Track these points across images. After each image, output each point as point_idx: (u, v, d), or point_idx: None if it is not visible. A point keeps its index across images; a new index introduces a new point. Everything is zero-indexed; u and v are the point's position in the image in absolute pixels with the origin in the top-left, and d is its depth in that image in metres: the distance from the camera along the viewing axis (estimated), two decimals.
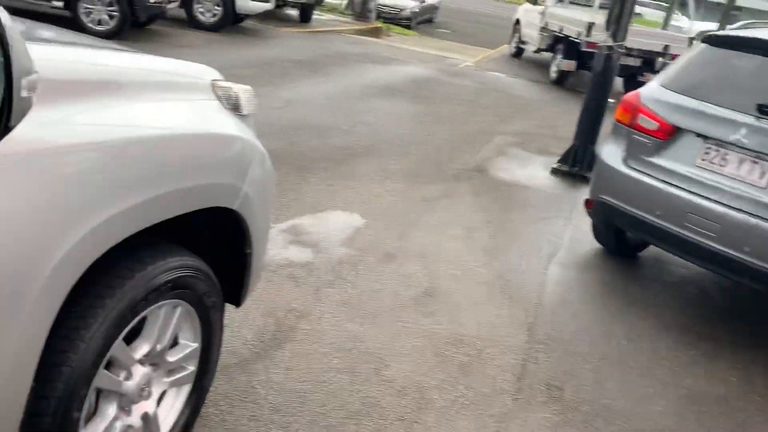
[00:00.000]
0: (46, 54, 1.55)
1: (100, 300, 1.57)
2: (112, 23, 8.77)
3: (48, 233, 1.33)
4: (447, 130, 7.27)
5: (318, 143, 5.89)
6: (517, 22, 15.12)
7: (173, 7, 9.97)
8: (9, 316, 1.27)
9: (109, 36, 8.66)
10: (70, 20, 8.69)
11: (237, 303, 2.27)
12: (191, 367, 2.03)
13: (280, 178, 4.78)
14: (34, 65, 1.05)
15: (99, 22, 8.76)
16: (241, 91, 2.04)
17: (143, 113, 1.67)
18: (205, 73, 1.97)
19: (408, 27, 18.72)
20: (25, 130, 1.29)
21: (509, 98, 10.03)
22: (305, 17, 14.60)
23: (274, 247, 3.65)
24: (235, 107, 2.00)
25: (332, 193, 4.73)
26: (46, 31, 2.11)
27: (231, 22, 11.48)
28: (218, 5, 11.07)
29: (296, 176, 4.91)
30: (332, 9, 17.66)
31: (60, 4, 8.57)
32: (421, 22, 20.69)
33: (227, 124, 1.92)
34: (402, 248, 4.01)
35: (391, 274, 3.64)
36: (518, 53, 15.03)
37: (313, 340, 2.89)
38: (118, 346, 1.66)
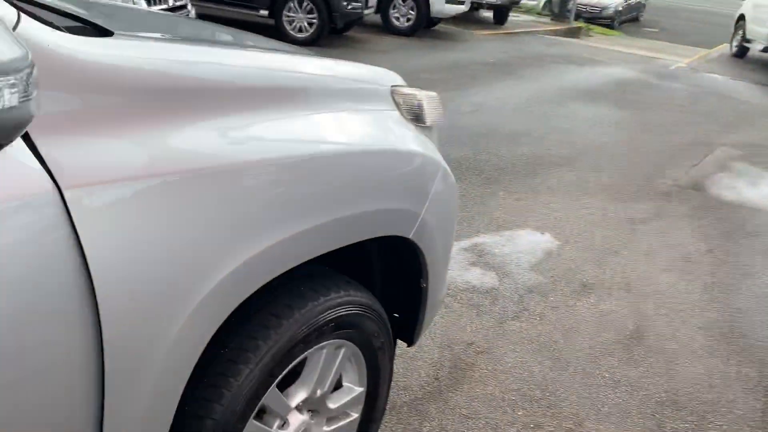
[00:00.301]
0: (227, 59, 1.36)
1: (252, 342, 1.35)
2: (311, 30, 9.08)
3: (198, 265, 1.11)
4: (656, 140, 6.46)
5: (508, 152, 5.48)
6: (741, 17, 13.36)
7: (370, 13, 10.11)
8: (146, 358, 1.07)
9: (308, 43, 8.98)
10: (273, 28, 9.15)
11: (410, 341, 1.97)
12: (354, 414, 1.77)
13: (464, 189, 4.49)
14: (27, 57, 0.71)
15: (300, 30, 9.12)
16: (426, 98, 1.73)
17: (317, 126, 1.43)
18: (384, 77, 1.69)
19: (610, 26, 17.55)
20: (187, 144, 1.09)
21: (732, 104, 8.78)
22: (500, 19, 14.19)
23: (455, 268, 3.34)
24: (416, 117, 1.70)
25: (521, 209, 4.30)
26: (228, 35, 1.98)
27: (425, 25, 11.46)
28: (412, 10, 11.08)
29: (482, 188, 4.56)
30: (529, 10, 17.05)
31: (265, 13, 9.04)
32: (626, 20, 19.29)
33: (407, 139, 1.63)
34: (602, 279, 3.48)
35: (588, 310, 3.14)
36: (741, 53, 13.27)
37: (494, 383, 2.52)
38: (271, 394, 1.43)
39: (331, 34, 9.58)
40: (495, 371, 2.58)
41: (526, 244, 3.78)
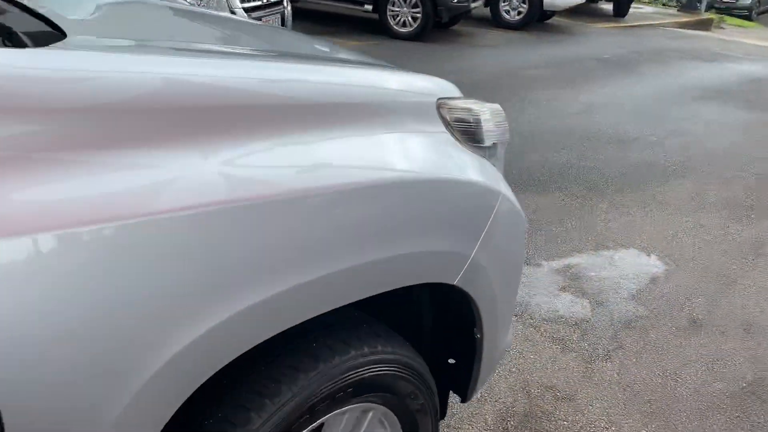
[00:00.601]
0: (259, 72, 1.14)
1: (243, 413, 1.11)
2: (415, 25, 8.83)
3: (150, 331, 0.89)
4: None
5: (616, 157, 4.97)
6: None
7: (477, 6, 9.71)
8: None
9: (411, 38, 8.74)
10: (377, 23, 8.98)
11: (463, 397, 1.68)
12: None
13: (562, 200, 4.08)
14: None
15: (403, 24, 8.89)
16: (485, 113, 1.43)
17: (335, 152, 1.16)
18: (431, 88, 1.40)
19: (747, 17, 16.02)
20: (127, 183, 0.86)
21: None
22: (620, 11, 13.29)
23: (541, 292, 2.98)
24: (472, 136, 1.40)
25: (626, 225, 3.83)
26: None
27: (537, 19, 10.89)
28: (524, 2, 10.55)
29: (582, 199, 4.12)
30: (653, 0, 15.89)
31: (369, 8, 8.89)
32: (765, 10, 17.55)
33: (456, 165, 1.33)
34: (715, 314, 2.99)
35: (696, 352, 2.69)
36: None
37: None
38: None
39: (436, 28, 9.29)
40: (576, 423, 2.23)
41: (628, 267, 3.34)
